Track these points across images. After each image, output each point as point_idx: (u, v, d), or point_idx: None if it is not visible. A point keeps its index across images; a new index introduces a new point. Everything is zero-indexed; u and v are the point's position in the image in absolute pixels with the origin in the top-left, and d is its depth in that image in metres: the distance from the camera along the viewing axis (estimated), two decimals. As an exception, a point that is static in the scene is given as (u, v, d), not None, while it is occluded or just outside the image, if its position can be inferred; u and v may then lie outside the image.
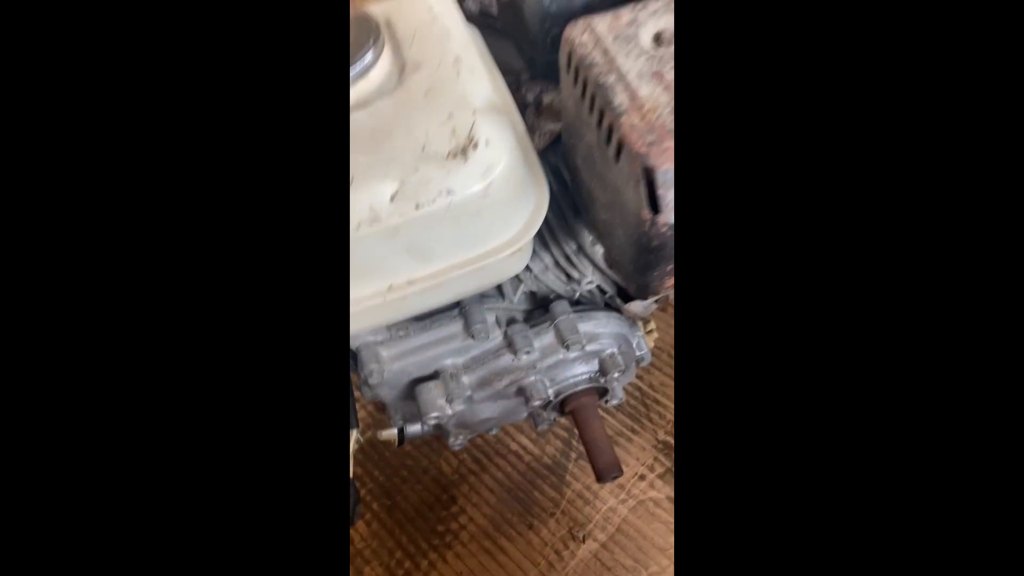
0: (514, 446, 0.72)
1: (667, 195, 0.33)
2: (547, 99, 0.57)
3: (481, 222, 0.41)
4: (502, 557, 0.65)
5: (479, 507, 0.68)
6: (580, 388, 0.57)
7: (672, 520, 0.65)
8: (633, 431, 0.71)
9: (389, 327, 0.55)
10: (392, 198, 0.38)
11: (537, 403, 0.56)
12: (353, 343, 0.55)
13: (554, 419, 0.63)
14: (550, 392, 0.56)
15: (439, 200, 0.38)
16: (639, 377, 0.75)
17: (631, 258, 0.39)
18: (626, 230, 0.38)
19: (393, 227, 0.38)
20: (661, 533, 0.64)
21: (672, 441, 0.70)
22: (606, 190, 0.41)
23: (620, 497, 0.66)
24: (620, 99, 0.35)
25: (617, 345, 0.57)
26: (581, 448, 0.70)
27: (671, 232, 0.35)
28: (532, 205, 0.44)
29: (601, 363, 0.57)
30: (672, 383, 0.73)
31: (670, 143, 0.33)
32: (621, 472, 0.55)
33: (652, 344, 0.76)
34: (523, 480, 0.69)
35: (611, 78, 0.36)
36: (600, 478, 0.54)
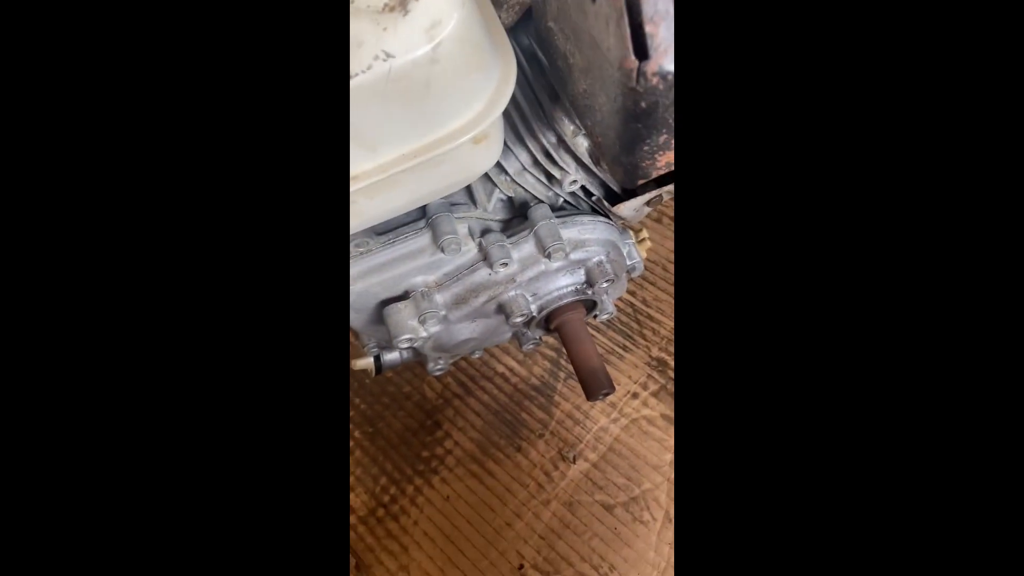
0: (500, 368, 0.68)
1: (657, 33, 0.26)
2: (514, -39, 0.47)
3: (432, 97, 0.34)
4: (490, 480, 0.63)
5: (465, 431, 0.65)
6: (565, 301, 0.52)
7: (665, 437, 0.62)
8: (625, 348, 0.67)
9: (349, 241, 0.48)
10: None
11: (519, 320, 0.51)
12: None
13: (539, 337, 0.58)
14: (533, 307, 0.51)
15: (376, 66, 0.31)
16: (631, 292, 0.70)
17: (617, 132, 0.33)
18: (609, 95, 0.31)
19: (322, 104, 0.31)
20: (655, 451, 0.61)
21: (665, 358, 0.66)
22: (583, 48, 0.33)
23: (612, 416, 0.64)
24: (595, -87, 0.27)
25: (605, 253, 0.51)
26: (570, 367, 0.66)
27: (663, 86, 0.28)
28: (495, 78, 0.36)
29: (587, 273, 0.51)
30: (667, 298, 0.69)
31: (659, -38, 0.25)
32: (612, 389, 0.50)
33: (645, 254, 0.70)
34: (510, 402, 0.66)
35: None
36: (590, 396, 0.50)
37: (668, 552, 0.57)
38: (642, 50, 0.27)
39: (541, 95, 0.46)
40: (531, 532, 0.59)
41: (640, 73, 0.27)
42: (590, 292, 0.52)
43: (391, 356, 0.60)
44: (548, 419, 0.64)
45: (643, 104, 0.29)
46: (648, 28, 0.26)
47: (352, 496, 0.63)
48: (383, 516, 0.62)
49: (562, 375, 0.67)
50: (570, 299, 0.52)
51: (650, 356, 0.66)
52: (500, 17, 0.46)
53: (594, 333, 0.68)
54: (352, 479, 0.64)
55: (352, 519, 0.62)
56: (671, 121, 0.30)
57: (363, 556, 0.61)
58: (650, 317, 0.68)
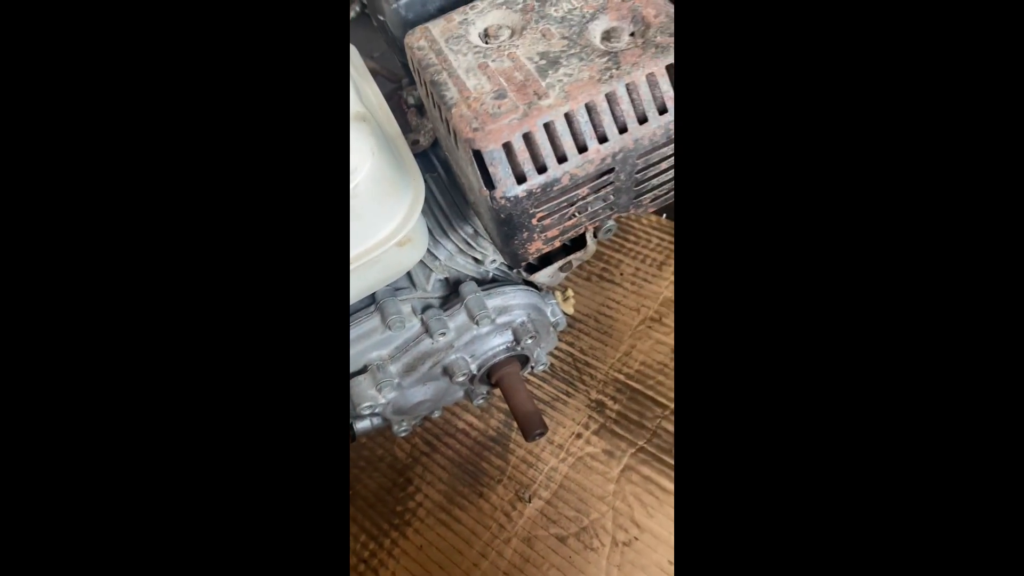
0: (461, 424, 0.77)
1: (497, 172, 0.38)
2: (427, 99, 0.61)
3: (359, 220, 0.45)
4: (457, 526, 0.70)
5: (433, 484, 0.73)
6: (500, 358, 0.62)
7: (607, 470, 0.70)
8: (568, 394, 0.76)
9: (312, 331, 0.59)
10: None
11: (461, 378, 0.60)
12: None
13: (486, 392, 0.68)
14: (472, 366, 0.61)
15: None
16: (569, 343, 0.80)
17: (494, 232, 0.44)
18: (483, 208, 0.43)
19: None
20: (599, 483, 0.69)
21: (603, 399, 0.75)
22: (462, 174, 0.45)
23: (560, 456, 0.72)
24: (451, 93, 0.40)
25: (527, 314, 0.61)
26: None
27: (510, 204, 0.39)
28: (409, 197, 0.48)
29: (514, 332, 0.61)
30: (600, 345, 0.78)
31: (493, 125, 0.38)
32: (545, 429, 0.59)
33: (571, 310, 0.81)
34: (471, 454, 0.74)
35: (444, 75, 0.41)
36: (527, 437, 0.59)
37: (616, 574, 0.64)
38: (490, 184, 0.38)
39: (457, 198, 0.58)
40: (496, 570, 0.66)
41: (492, 198, 0.39)
42: (519, 348, 0.62)
43: (362, 424, 0.69)
44: (505, 465, 0.72)
45: (502, 215, 0.40)
46: (491, 169, 0.38)
47: (336, 555, 0.70)
48: (364, 571, 0.69)
49: (515, 424, 0.75)
50: (503, 356, 0.62)
51: (589, 399, 0.75)
52: (420, 141, 0.60)
53: (540, 383, 0.77)
54: (335, 539, 0.71)
55: (335, 577, 0.69)
56: (528, 223, 0.42)
57: (348, 610, 0.67)
58: (587, 364, 0.78)
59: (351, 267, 0.47)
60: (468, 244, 0.59)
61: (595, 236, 0.62)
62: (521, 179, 0.38)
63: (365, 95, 0.50)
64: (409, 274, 0.62)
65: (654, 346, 0.77)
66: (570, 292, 0.76)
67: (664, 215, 0.89)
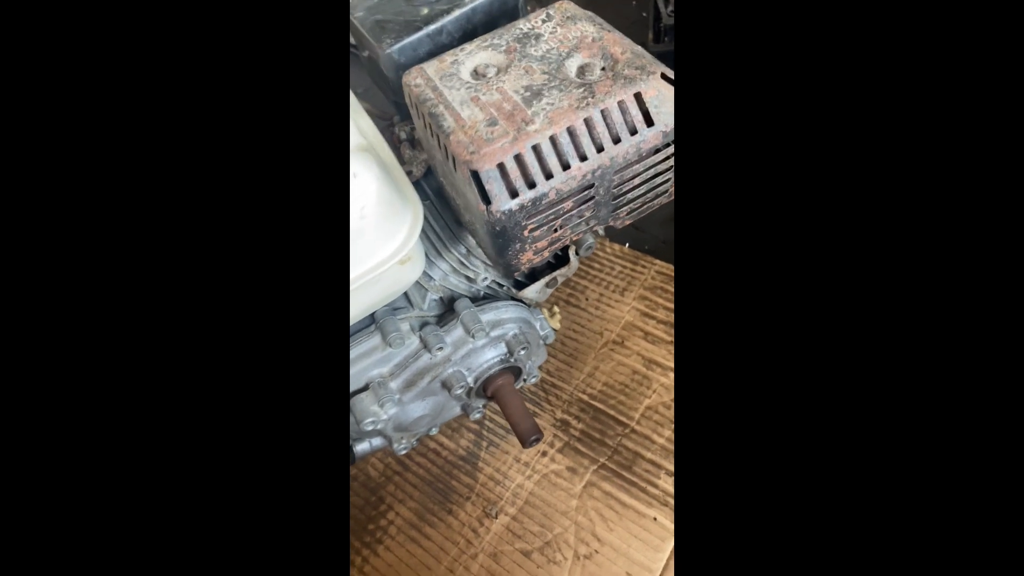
0: (432, 444, 0.79)
1: (493, 188, 0.43)
2: (417, 134, 0.67)
3: (366, 240, 0.49)
4: (426, 543, 0.71)
5: (404, 502, 0.75)
6: (494, 370, 0.65)
7: (570, 486, 0.73)
8: (535, 414, 0.79)
9: (315, 351, 0.62)
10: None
11: (459, 391, 0.64)
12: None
13: (482, 405, 0.71)
14: (469, 379, 0.64)
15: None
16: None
17: (490, 245, 0.49)
18: (479, 223, 0.48)
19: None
20: (562, 499, 0.72)
21: (568, 419, 0.79)
22: (459, 195, 0.50)
23: (526, 474, 0.75)
24: (448, 123, 0.45)
25: (518, 327, 0.65)
26: (491, 437, 0.78)
27: (504, 217, 0.44)
28: (409, 219, 0.53)
29: (507, 344, 0.65)
30: (565, 367, 0.83)
31: (487, 148, 0.43)
32: (541, 435, 0.63)
33: (559, 325, 0.86)
34: (441, 472, 0.77)
35: (440, 108, 0.46)
36: (523, 443, 0.62)
37: None
38: (487, 199, 0.43)
39: (450, 221, 0.63)
40: None
41: (489, 212, 0.44)
42: (512, 360, 0.66)
43: (362, 446, 0.71)
44: (474, 483, 0.75)
45: (497, 228, 0.45)
46: (487, 187, 0.43)
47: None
48: None
49: (484, 443, 0.78)
50: (497, 368, 0.65)
51: (555, 418, 0.78)
52: (412, 172, 0.65)
53: None
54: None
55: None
56: (520, 235, 0.47)
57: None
58: (553, 385, 0.82)
59: (356, 285, 0.51)
60: (461, 263, 0.64)
61: (577, 253, 0.67)
62: (514, 194, 0.43)
63: (363, 129, 0.55)
64: (406, 294, 0.66)
65: (616, 367, 0.81)
66: (556, 309, 0.81)
67: (627, 244, 0.96)
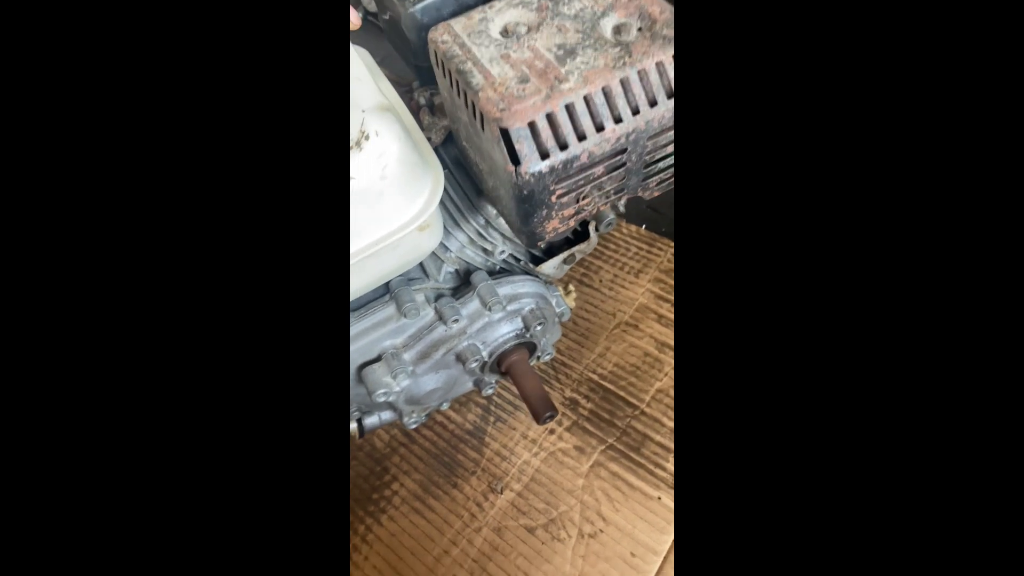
0: (439, 417, 0.78)
1: (522, 148, 0.41)
2: (437, 100, 0.65)
3: (386, 202, 0.48)
4: (430, 514, 0.71)
5: (409, 474, 0.74)
6: (509, 345, 0.64)
7: (577, 465, 0.72)
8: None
9: (328, 319, 0.60)
10: (302, 191, 0.44)
11: (474, 365, 0.62)
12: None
13: (495, 381, 0.69)
14: (484, 353, 0.63)
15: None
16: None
17: (514, 212, 0.47)
18: (505, 188, 0.46)
19: (307, 215, 0.44)
20: (569, 478, 0.71)
21: (576, 397, 0.78)
22: (484, 159, 0.48)
23: (533, 451, 0.74)
24: (477, 80, 0.43)
25: (535, 302, 0.64)
26: (499, 413, 0.77)
27: (533, 180, 0.42)
28: (429, 184, 0.51)
29: (523, 319, 0.64)
30: (576, 346, 0.82)
31: (518, 106, 0.41)
32: (556, 412, 0.61)
33: (574, 303, 0.84)
34: (448, 446, 0.76)
35: (469, 64, 0.44)
36: (538, 419, 0.61)
37: (581, 564, 0.65)
38: (516, 159, 0.41)
39: (469, 191, 0.61)
40: (465, 557, 0.67)
41: (517, 174, 0.42)
42: (528, 335, 0.65)
43: (371, 419, 0.70)
44: (480, 458, 0.74)
45: (524, 192, 0.43)
46: (516, 146, 0.41)
47: (306, 538, 0.71)
48: None
49: (491, 419, 0.77)
50: (513, 343, 0.64)
51: (564, 396, 0.77)
52: (431, 138, 0.63)
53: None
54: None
55: (305, 559, 0.70)
56: (547, 200, 0.45)
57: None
58: (564, 364, 0.81)
59: (374, 250, 0.49)
60: (479, 234, 0.62)
61: (597, 229, 0.66)
62: (544, 155, 0.41)
63: (384, 91, 0.53)
64: (421, 265, 0.64)
65: (627, 349, 0.80)
66: (571, 287, 0.79)
67: (644, 226, 0.94)
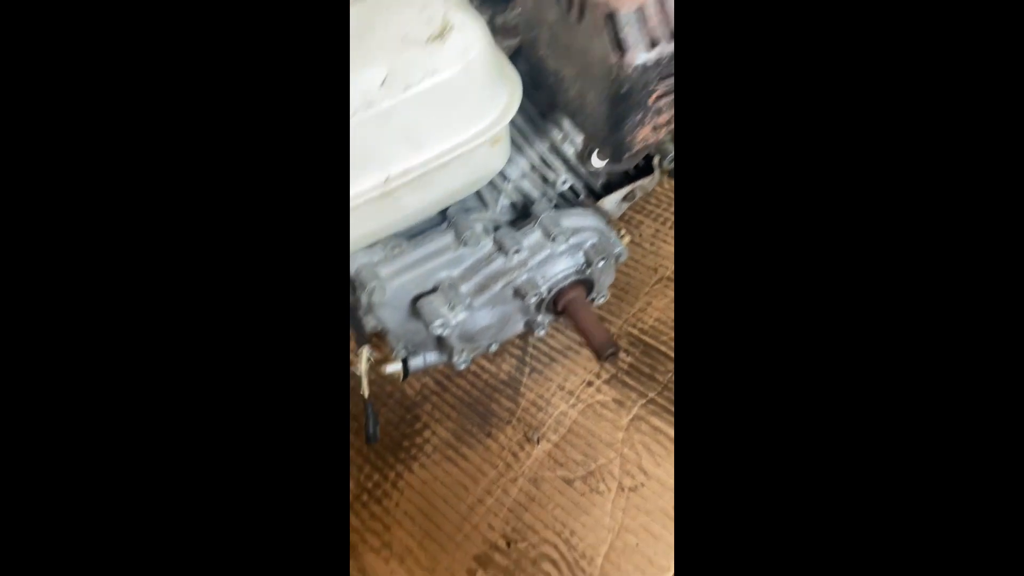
0: (472, 367, 0.76)
1: (630, 34, 0.38)
2: (499, 20, 0.61)
3: (464, 103, 0.45)
4: (464, 463, 0.69)
5: (441, 422, 0.72)
6: (569, 281, 0.61)
7: (616, 418, 0.70)
8: (581, 344, 0.76)
9: (384, 244, 0.57)
10: (382, 83, 0.41)
11: (533, 300, 0.60)
12: (351, 266, 0.57)
13: (548, 322, 0.67)
14: (543, 288, 0.60)
15: (425, 80, 0.42)
16: (585, 297, 0.80)
17: (604, 117, 0.44)
18: (597, 90, 0.43)
19: (386, 111, 0.41)
20: (608, 431, 0.69)
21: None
22: (572, 60, 0.45)
23: (570, 402, 0.72)
24: (576, -34, 0.40)
25: (597, 237, 0.61)
26: (534, 364, 0.75)
27: (636, 74, 0.39)
28: (507, 92, 0.48)
29: (585, 254, 0.61)
30: (616, 301, 0.79)
31: (625, -10, 0.38)
32: (618, 348, 0.59)
33: (627, 246, 0.82)
34: (481, 395, 0.73)
35: (566, -48, 0.41)
36: (600, 356, 0.59)
37: (621, 517, 0.64)
38: (621, 47, 0.38)
39: (534, 113, 0.58)
40: (500, 506, 0.65)
41: (620, 66, 0.39)
42: (588, 271, 0.62)
43: (416, 361, 0.67)
44: (515, 408, 0.72)
45: (624, 89, 0.40)
46: (623, 32, 0.38)
47: (336, 483, 0.69)
48: (367, 500, 0.68)
49: (527, 369, 0.75)
50: (573, 278, 0.61)
51: None
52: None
53: (554, 333, 0.76)
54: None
55: (336, 504, 0.68)
56: (644, 102, 0.42)
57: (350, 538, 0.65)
58: (603, 318, 0.78)
59: (447, 159, 0.46)
60: (542, 161, 0.59)
61: (660, 165, 0.63)
62: (654, 42, 0.38)
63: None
64: (479, 194, 0.61)
65: (669, 304, 0.78)
66: (624, 231, 0.76)
67: None
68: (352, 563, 0.64)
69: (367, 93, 0.41)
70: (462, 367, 0.68)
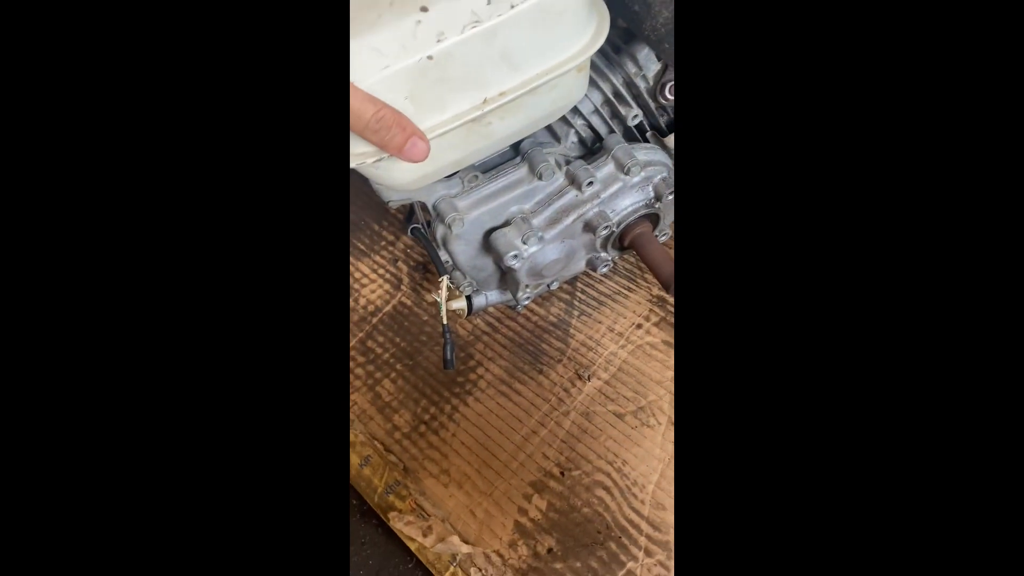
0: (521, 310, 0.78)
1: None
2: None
3: (560, 27, 0.45)
4: (517, 398, 0.72)
5: (494, 360, 0.74)
6: (637, 216, 0.62)
7: (666, 359, 0.73)
8: (629, 290, 0.78)
9: (462, 177, 0.58)
10: (489, 1, 0.41)
11: (604, 232, 0.61)
12: (429, 198, 0.58)
13: (612, 260, 0.68)
14: (614, 221, 0.61)
15: (527, 1, 0.42)
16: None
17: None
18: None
19: (491, 29, 0.42)
20: (658, 370, 0.72)
21: (664, 295, 0.77)
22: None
23: (620, 343, 0.74)
24: None
25: (667, 171, 0.62)
26: (582, 307, 0.77)
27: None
28: (596, 20, 0.48)
29: (655, 188, 0.62)
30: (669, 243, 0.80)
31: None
32: (686, 281, 0.61)
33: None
34: (532, 336, 0.76)
35: None
36: (668, 288, 0.60)
37: (671, 448, 0.67)
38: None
39: (608, 50, 0.58)
40: (554, 437, 0.68)
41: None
42: (657, 206, 0.63)
43: (479, 299, 0.69)
44: (565, 348, 0.74)
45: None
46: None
47: (397, 416, 0.72)
48: (425, 431, 0.71)
49: (576, 312, 0.77)
50: (642, 212, 0.62)
51: (651, 294, 0.77)
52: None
53: (602, 279, 0.78)
54: (396, 402, 0.73)
55: (398, 435, 0.71)
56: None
57: (409, 464, 0.68)
58: None
59: (539, 83, 0.47)
60: (616, 94, 0.59)
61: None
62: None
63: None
64: (551, 128, 0.62)
65: None
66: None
67: None
68: (413, 486, 0.67)
69: (476, 11, 0.41)
70: (524, 304, 0.70)
